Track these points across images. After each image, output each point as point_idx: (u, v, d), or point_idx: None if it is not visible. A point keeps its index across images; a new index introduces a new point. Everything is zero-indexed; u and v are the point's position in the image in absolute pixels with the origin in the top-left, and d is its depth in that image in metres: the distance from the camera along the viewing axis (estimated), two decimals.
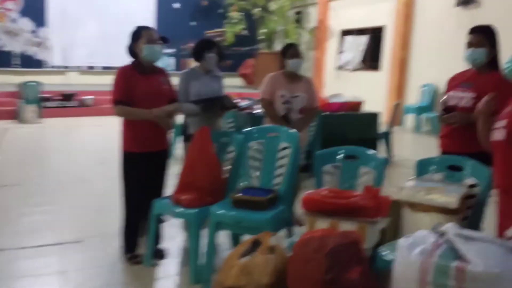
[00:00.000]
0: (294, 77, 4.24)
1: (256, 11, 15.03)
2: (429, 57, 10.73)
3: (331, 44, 14.44)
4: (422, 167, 2.83)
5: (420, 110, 10.40)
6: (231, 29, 15.12)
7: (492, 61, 3.13)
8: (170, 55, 16.26)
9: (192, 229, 3.16)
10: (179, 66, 15.55)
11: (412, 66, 11.29)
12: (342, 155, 3.02)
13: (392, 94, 11.46)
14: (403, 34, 11.29)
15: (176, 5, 16.11)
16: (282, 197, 3.17)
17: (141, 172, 3.40)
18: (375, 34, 12.59)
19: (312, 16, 15.32)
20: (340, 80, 13.66)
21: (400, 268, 2.05)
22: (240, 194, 3.14)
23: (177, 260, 3.57)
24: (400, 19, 11.34)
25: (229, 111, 4.25)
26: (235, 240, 3.42)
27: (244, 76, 16.23)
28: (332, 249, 2.26)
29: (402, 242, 2.14)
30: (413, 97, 11.05)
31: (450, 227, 2.06)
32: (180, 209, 3.21)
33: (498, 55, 3.14)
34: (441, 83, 10.32)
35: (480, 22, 9.87)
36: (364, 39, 12.94)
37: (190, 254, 3.19)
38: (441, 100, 3.36)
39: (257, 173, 3.37)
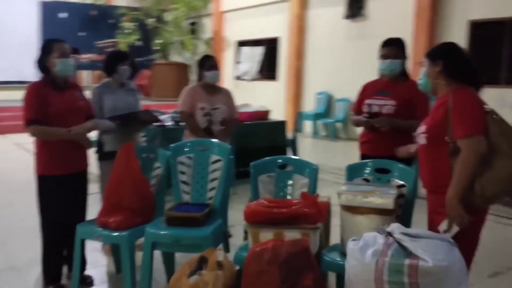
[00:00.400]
0: (212, 89, 4.22)
1: (150, 21, 14.74)
2: (322, 66, 11.34)
3: (228, 55, 14.64)
4: (352, 171, 2.97)
5: (316, 116, 10.92)
6: (124, 40, 14.64)
7: (403, 71, 3.37)
8: None
9: (125, 252, 2.98)
10: None
11: (307, 75, 11.84)
12: (277, 165, 3.06)
13: (290, 102, 11.91)
14: (297, 45, 11.80)
15: (63, 15, 15.24)
16: (217, 211, 3.13)
17: (60, 196, 3.15)
18: (270, 45, 13.01)
19: (207, 27, 15.43)
20: (239, 90, 13.84)
21: (355, 270, 2.13)
22: (173, 211, 3.04)
23: (106, 287, 3.35)
24: (294, 31, 11.85)
25: (149, 125, 4.10)
26: (168, 260, 3.29)
27: (139, 87, 15.76)
28: (285, 259, 2.29)
29: (351, 245, 2.23)
30: (309, 104, 11.59)
31: (396, 227, 2.18)
32: (108, 232, 3.02)
33: (407, 65, 3.40)
34: (334, 90, 11.03)
35: (367, 34, 10.78)
36: (260, 50, 13.30)
37: (124, 279, 3.01)
38: (357, 117, 3.52)
39: (188, 188, 3.29)
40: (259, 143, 6.30)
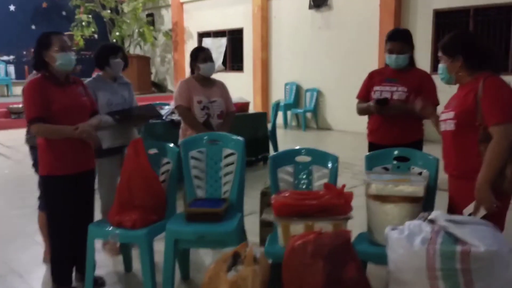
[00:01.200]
0: (207, 82, 4.13)
1: (106, 13, 14.24)
2: (289, 57, 11.37)
3: (190, 46, 14.38)
4: (371, 160, 2.98)
5: (286, 107, 10.95)
6: (79, 33, 14.08)
7: (410, 59, 3.40)
8: (8, 62, 14.60)
9: (144, 251, 2.87)
10: (20, 75, 14.03)
11: (274, 66, 11.85)
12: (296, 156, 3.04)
13: (258, 93, 11.89)
14: (262, 36, 11.77)
15: (11, 8, 14.48)
16: (235, 206, 3.07)
17: (68, 197, 3.00)
18: (234, 36, 12.90)
19: (166, 18, 15.11)
20: None
21: (404, 259, 2.14)
22: (192, 207, 2.96)
23: (119, 287, 3.23)
24: (258, 21, 11.80)
25: (151, 120, 3.96)
26: (183, 257, 3.21)
27: None
28: (329, 251, 2.27)
29: (395, 234, 2.24)
30: (278, 95, 11.60)
31: (439, 215, 2.21)
32: (125, 232, 2.91)
33: (414, 53, 3.43)
34: (303, 81, 11.10)
35: (332, 24, 10.88)
36: (223, 41, 13.17)
37: (144, 279, 2.90)
38: (360, 99, 3.53)
39: (202, 184, 3.21)
40: (242, 135, 6.21)
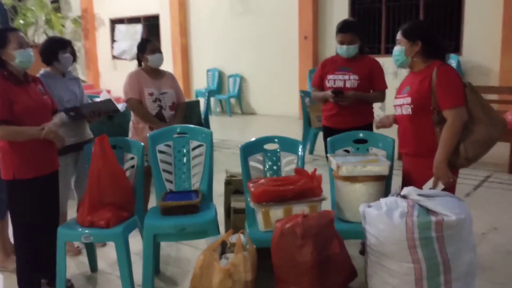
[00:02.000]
0: (156, 73, 4.10)
1: (8, 0, 13.19)
2: (209, 43, 11.38)
3: (102, 34, 13.85)
4: (333, 143, 3.20)
5: (210, 93, 10.96)
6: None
7: (359, 48, 3.63)
8: None
9: (120, 249, 2.86)
10: None
11: (195, 53, 11.79)
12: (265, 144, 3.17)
13: (179, 80, 11.72)
14: (180, 22, 11.64)
15: None
16: (207, 196, 3.15)
17: (35, 200, 2.89)
18: (150, 23, 12.61)
19: (74, 4, 14.33)
20: (118, 70, 13.27)
21: (385, 233, 2.37)
22: (166, 201, 2.99)
23: None
24: (175, 7, 11.64)
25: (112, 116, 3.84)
26: (154, 252, 3.22)
27: None
28: (317, 231, 2.45)
29: (373, 211, 2.46)
30: (200, 82, 11.60)
31: (411, 190, 2.47)
32: (99, 231, 2.87)
33: (363, 42, 3.68)
34: (224, 67, 11.20)
35: (251, 9, 11.01)
36: (138, 28, 12.81)
37: (121, 277, 2.89)
38: (321, 93, 3.71)
39: (171, 177, 3.23)
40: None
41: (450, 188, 2.61)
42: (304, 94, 6.68)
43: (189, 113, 6.78)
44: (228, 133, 8.74)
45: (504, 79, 7.43)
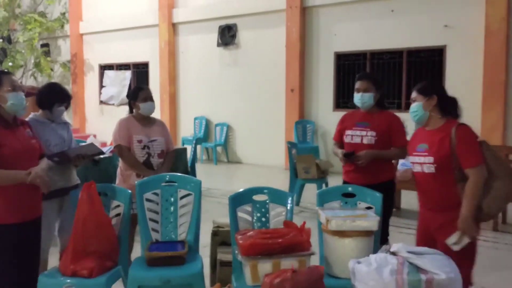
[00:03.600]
0: (147, 121, 4.11)
1: None
2: (197, 91, 11.53)
3: (90, 78, 13.95)
4: (322, 197, 3.21)
5: (197, 141, 10.99)
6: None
7: (379, 102, 3.65)
8: None
9: None
10: None
11: (182, 100, 11.91)
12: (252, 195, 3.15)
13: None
14: (169, 70, 11.81)
15: None
16: (193, 247, 3.09)
17: (15, 247, 2.80)
18: (139, 69, 12.77)
19: (63, 48, 14.49)
20: (105, 115, 13.30)
21: None
22: (152, 251, 2.93)
23: None
24: (164, 56, 11.84)
25: (91, 159, 3.81)
26: None
27: None
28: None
29: (364, 267, 2.43)
30: (187, 129, 11.64)
31: (401, 247, 2.46)
32: (82, 281, 2.78)
33: (383, 96, 3.72)
34: (211, 115, 11.28)
35: (240, 61, 11.34)
36: (127, 74, 12.95)
37: None
38: (338, 151, 3.69)
39: (157, 226, 3.18)
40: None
41: (473, 241, 2.72)
42: (291, 145, 6.74)
43: (176, 160, 6.76)
44: (214, 181, 8.70)
45: (485, 136, 7.63)
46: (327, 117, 9.57)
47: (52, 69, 14.12)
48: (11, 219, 2.76)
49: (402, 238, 3.03)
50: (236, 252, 2.84)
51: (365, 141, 3.55)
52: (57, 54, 14.66)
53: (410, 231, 4.86)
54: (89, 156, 3.63)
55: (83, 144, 3.70)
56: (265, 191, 3.18)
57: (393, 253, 2.47)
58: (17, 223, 2.78)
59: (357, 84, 3.61)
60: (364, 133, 3.57)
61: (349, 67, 9.38)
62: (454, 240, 2.68)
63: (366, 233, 2.82)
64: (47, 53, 14.30)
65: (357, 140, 3.58)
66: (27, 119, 3.56)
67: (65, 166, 3.54)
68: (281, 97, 10.06)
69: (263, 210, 3.14)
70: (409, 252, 2.42)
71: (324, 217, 2.87)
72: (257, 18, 10.38)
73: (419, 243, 2.91)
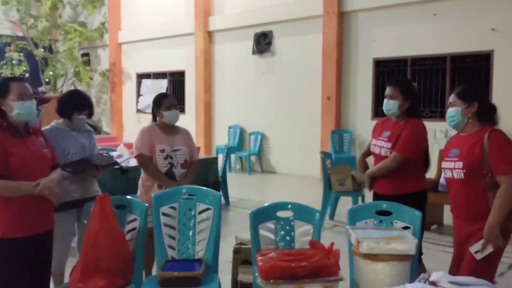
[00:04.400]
0: (171, 129, 3.94)
1: (39, 52, 13.61)
2: (232, 100, 11.37)
3: (128, 87, 14.05)
4: (353, 214, 2.91)
5: (230, 150, 10.84)
6: (10, 71, 13.30)
7: (410, 109, 3.33)
8: None
9: None
10: None
11: (217, 109, 11.78)
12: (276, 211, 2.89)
13: (201, 136, 11.71)
14: (205, 79, 11.71)
15: None
16: (211, 267, 2.86)
17: (26, 261, 2.65)
18: (175, 78, 12.75)
19: (103, 58, 14.70)
20: (141, 123, 13.29)
21: None
22: (165, 271, 2.71)
23: None
24: (200, 64, 11.75)
25: (108, 170, 3.66)
26: None
27: None
28: None
29: None
30: (221, 138, 11.49)
31: (441, 276, 2.14)
32: None
33: (415, 104, 3.39)
34: (246, 124, 11.09)
35: (275, 69, 11.10)
36: (164, 83, 12.97)
37: None
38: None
39: (174, 243, 2.97)
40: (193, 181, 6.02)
41: (497, 252, 2.60)
42: (325, 155, 6.42)
43: (206, 170, 6.61)
44: (246, 192, 8.48)
45: None
46: (365, 126, 9.17)
47: (91, 78, 14.34)
48: (19, 233, 2.61)
49: (444, 259, 2.76)
50: (256, 274, 2.59)
51: (382, 153, 3.32)
52: (96, 63, 14.88)
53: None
54: (105, 167, 3.47)
55: (95, 154, 3.52)
56: (289, 206, 2.90)
57: (433, 283, 2.15)
58: (26, 236, 2.63)
59: (386, 90, 3.39)
60: (383, 143, 3.33)
61: (389, 74, 8.97)
62: (477, 248, 2.55)
63: (402, 257, 2.50)
64: (87, 63, 14.54)
65: (377, 150, 3.37)
66: (48, 126, 3.46)
67: (84, 176, 3.40)
68: (317, 105, 9.75)
69: (287, 227, 2.87)
70: (451, 282, 2.09)
71: (355, 238, 2.57)
72: (293, 24, 10.13)
73: (455, 255, 2.80)
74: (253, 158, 10.86)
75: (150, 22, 13.06)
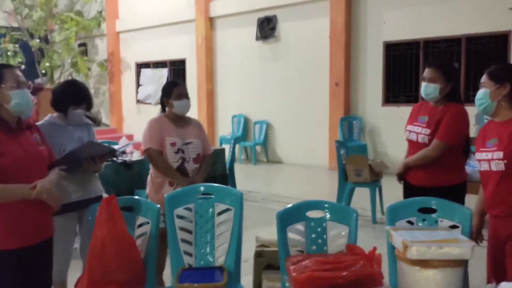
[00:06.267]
0: (181, 121, 3.59)
1: (35, 43, 13.19)
2: (236, 88, 11.00)
3: (127, 77, 13.66)
4: (393, 212, 2.58)
5: (235, 140, 10.47)
6: (5, 62, 12.90)
7: (451, 93, 3.03)
8: None
9: None
10: None
11: (220, 98, 11.41)
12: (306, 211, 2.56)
13: (204, 125, 11.34)
14: (207, 67, 11.33)
15: None
16: (233, 275, 2.53)
17: (23, 274, 2.32)
18: (176, 67, 12.36)
19: (100, 48, 14.28)
20: (142, 115, 12.95)
21: None
22: (184, 283, 2.38)
23: None
24: (202, 52, 11.37)
25: (106, 159, 3.30)
26: None
27: None
28: None
29: None
30: (225, 127, 11.15)
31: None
32: None
33: (456, 88, 3.10)
34: (250, 113, 10.73)
35: (280, 54, 10.65)
36: (164, 72, 12.58)
37: None
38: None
39: (190, 249, 2.64)
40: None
41: None
42: (339, 144, 6.08)
43: (213, 162, 6.24)
44: (253, 183, 8.15)
45: None
46: (375, 112, 8.84)
47: (89, 69, 13.94)
48: (14, 244, 2.28)
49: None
50: (287, 284, 2.26)
51: (420, 139, 3.03)
52: (94, 53, 14.47)
53: None
54: (102, 157, 3.10)
55: (82, 144, 3.12)
56: (326, 205, 2.56)
57: None
58: (22, 247, 2.30)
59: (424, 72, 3.05)
60: (420, 129, 3.03)
61: (400, 57, 8.61)
62: None
63: (457, 263, 2.17)
64: (84, 53, 14.12)
65: (413, 137, 3.07)
66: (42, 121, 3.12)
67: (84, 174, 3.06)
68: (325, 92, 9.38)
69: (319, 229, 2.54)
70: None
71: (401, 241, 2.24)
72: (298, 8, 9.72)
73: (489, 256, 2.46)
74: (258, 148, 10.52)
75: (148, 9, 12.63)
